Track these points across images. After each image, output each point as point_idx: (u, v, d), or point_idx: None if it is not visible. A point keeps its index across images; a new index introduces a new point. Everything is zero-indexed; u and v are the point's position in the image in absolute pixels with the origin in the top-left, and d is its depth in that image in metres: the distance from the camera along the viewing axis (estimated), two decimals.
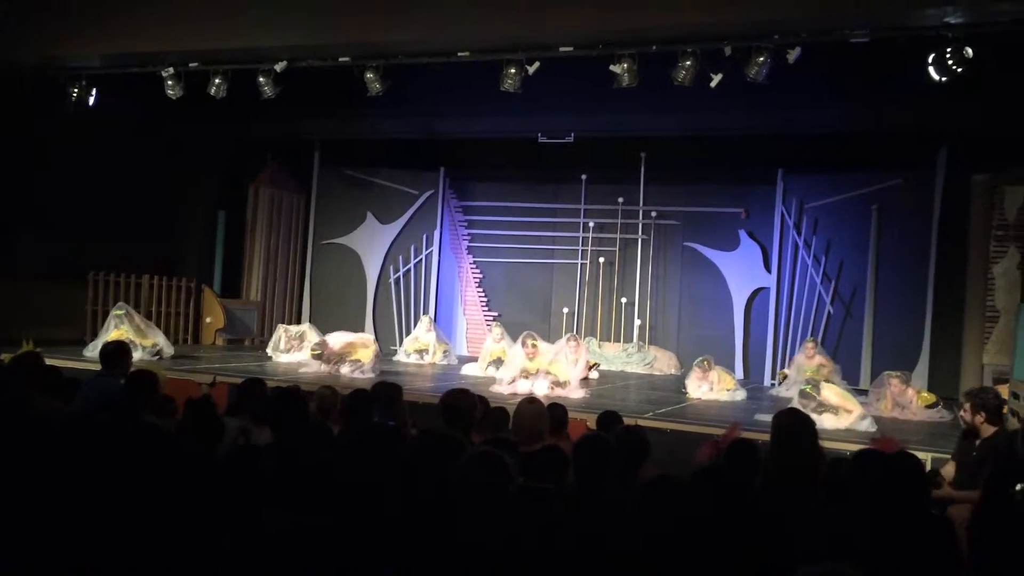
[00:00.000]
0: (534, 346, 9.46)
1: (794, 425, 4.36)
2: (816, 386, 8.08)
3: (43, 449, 2.86)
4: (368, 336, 10.99)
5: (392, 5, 8.61)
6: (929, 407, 9.08)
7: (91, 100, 10.50)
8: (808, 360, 10.29)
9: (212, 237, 14.80)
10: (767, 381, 12.11)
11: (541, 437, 4.45)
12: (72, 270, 11.82)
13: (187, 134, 13.27)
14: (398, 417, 4.85)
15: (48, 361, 5.72)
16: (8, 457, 2.84)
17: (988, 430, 5.39)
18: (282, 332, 11.87)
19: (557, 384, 8.92)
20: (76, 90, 10.35)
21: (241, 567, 2.55)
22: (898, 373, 9.32)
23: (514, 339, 11.20)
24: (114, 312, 10.60)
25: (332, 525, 2.73)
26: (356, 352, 10.18)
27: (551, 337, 12.91)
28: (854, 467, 3.73)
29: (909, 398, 9.05)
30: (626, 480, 3.70)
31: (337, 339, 10.30)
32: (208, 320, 13.70)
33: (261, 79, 9.55)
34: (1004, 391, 6.90)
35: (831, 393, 7.87)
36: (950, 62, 7.56)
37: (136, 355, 8.62)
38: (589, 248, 13.90)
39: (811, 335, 12.28)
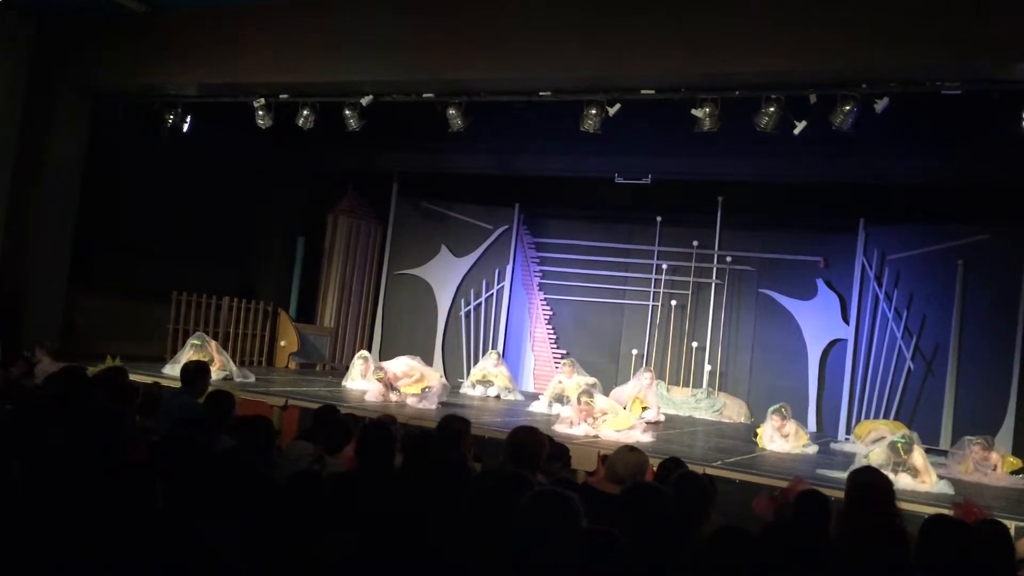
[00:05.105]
0: (588, 403, 9.10)
1: (871, 484, 4.22)
2: (909, 445, 7.58)
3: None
4: (429, 368, 10.96)
5: (479, 45, 8.76)
6: (1015, 472, 8.66)
7: (185, 127, 10.95)
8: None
9: (291, 263, 15.18)
10: (841, 436, 11.75)
11: None
12: (156, 289, 12.22)
13: (270, 162, 13.71)
14: (463, 452, 4.87)
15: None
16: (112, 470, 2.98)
17: None
18: (361, 361, 11.69)
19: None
20: (171, 116, 10.80)
21: None
22: (980, 439, 8.81)
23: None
24: (191, 341, 10.76)
25: (390, 555, 2.77)
26: (418, 381, 10.21)
27: (618, 379, 12.80)
28: (924, 535, 3.58)
29: (992, 463, 8.64)
30: (686, 532, 3.55)
31: (398, 366, 10.34)
32: (283, 344, 13.98)
33: (347, 112, 9.81)
34: None
35: (919, 456, 7.51)
36: None
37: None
38: (661, 290, 13.77)
39: (890, 391, 11.91)
